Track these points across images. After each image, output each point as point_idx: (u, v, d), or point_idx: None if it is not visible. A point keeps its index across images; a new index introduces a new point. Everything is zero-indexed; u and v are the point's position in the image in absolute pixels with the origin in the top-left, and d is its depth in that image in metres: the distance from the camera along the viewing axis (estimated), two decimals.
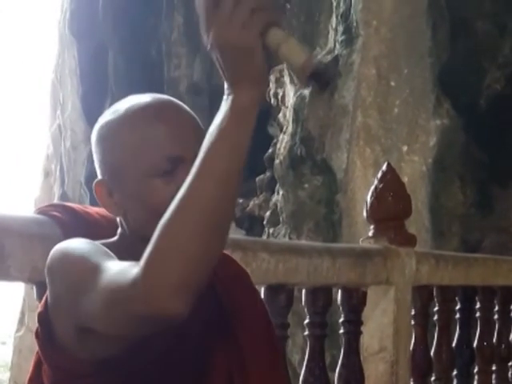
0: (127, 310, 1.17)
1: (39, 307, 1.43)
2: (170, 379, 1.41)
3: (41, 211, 1.82)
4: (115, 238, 1.46)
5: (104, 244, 1.41)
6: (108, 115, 1.45)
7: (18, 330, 12.92)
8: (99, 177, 1.45)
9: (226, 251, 1.60)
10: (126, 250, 1.42)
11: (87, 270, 1.25)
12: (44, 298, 1.41)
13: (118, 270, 1.21)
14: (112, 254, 1.32)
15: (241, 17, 1.14)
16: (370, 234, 3.38)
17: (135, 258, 1.40)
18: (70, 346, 1.35)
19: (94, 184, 1.45)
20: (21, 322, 12.96)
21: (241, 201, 9.60)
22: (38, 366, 1.45)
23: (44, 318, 1.39)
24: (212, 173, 1.16)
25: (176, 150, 1.39)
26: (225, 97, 1.18)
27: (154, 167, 1.38)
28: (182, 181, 1.38)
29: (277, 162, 8.04)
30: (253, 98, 1.17)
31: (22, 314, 13.00)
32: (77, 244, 1.34)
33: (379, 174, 3.44)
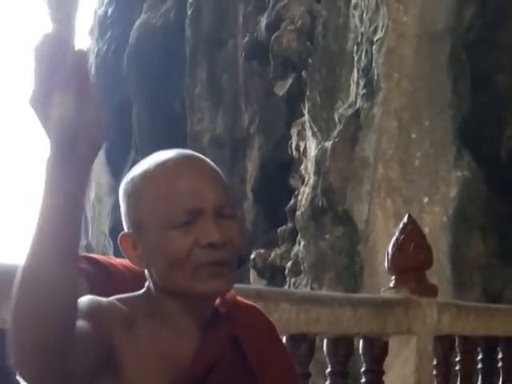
0: None
1: None
2: None
3: None
4: (142, 291, 1.49)
5: (127, 298, 1.46)
6: (134, 171, 1.49)
7: None
8: (125, 230, 1.49)
9: (251, 302, 1.63)
10: (151, 303, 1.46)
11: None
12: None
13: None
14: (110, 316, 1.38)
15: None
16: (392, 284, 3.41)
17: (158, 310, 1.44)
18: None
19: (119, 237, 1.49)
20: None
21: (262, 251, 9.64)
22: None
23: None
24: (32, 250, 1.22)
25: (194, 203, 1.42)
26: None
27: (173, 219, 1.42)
28: (200, 232, 1.43)
29: (298, 213, 8.08)
30: (53, 154, 1.21)
31: None
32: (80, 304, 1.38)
33: (400, 225, 3.48)
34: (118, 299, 1.44)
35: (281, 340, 1.63)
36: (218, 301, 1.51)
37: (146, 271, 1.49)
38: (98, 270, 1.69)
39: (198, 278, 1.41)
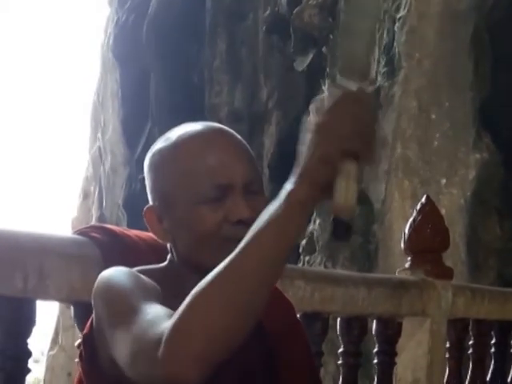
0: (147, 368, 1.19)
1: (85, 329, 1.44)
2: None
3: (80, 232, 1.83)
4: (164, 264, 1.47)
5: (150, 270, 1.43)
6: (160, 143, 1.46)
7: (51, 349, 12.97)
8: (150, 203, 1.46)
9: None
10: (174, 278, 1.43)
11: (126, 308, 1.27)
12: (90, 321, 1.42)
13: (152, 319, 1.22)
14: (152, 290, 1.33)
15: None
16: (407, 265, 3.38)
17: (182, 285, 1.40)
18: (110, 372, 1.35)
19: (144, 210, 1.46)
20: (54, 340, 13.01)
21: None
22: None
23: (88, 340, 1.40)
24: (254, 257, 1.15)
25: (224, 178, 1.40)
26: (285, 185, 1.18)
27: (202, 195, 1.39)
28: (230, 208, 1.40)
29: None
30: (310, 195, 1.16)
31: (56, 333, 13.05)
32: (120, 276, 1.34)
33: (418, 206, 3.45)
34: (141, 271, 1.41)
35: (299, 321, 1.62)
36: None
37: (168, 245, 1.46)
38: (112, 240, 1.68)
39: (226, 254, 1.39)
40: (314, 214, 8.23)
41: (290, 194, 1.16)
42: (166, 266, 1.47)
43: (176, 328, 1.14)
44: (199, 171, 1.41)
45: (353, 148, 1.15)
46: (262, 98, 10.32)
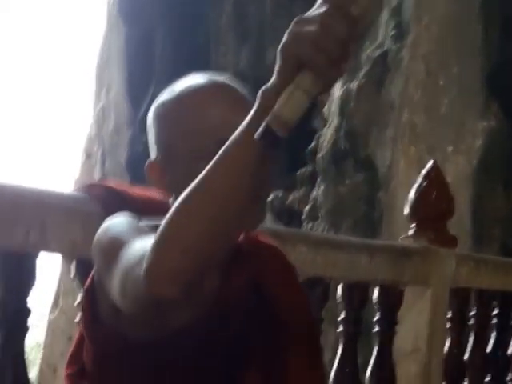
0: (135, 290, 1.20)
1: (86, 283, 1.44)
2: (207, 367, 1.40)
3: (82, 189, 1.83)
4: None
5: (156, 225, 1.40)
6: (164, 96, 1.45)
7: (51, 312, 13.02)
8: (152, 157, 1.45)
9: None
10: None
11: (118, 246, 1.27)
12: (91, 274, 1.42)
13: (140, 247, 1.22)
14: (149, 232, 1.30)
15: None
16: (411, 232, 3.33)
17: None
18: (111, 324, 1.35)
19: (146, 164, 1.45)
20: (55, 303, 13.05)
21: (281, 194, 9.58)
22: (80, 342, 1.46)
23: (90, 293, 1.40)
24: (225, 171, 1.15)
25: (227, 133, 1.36)
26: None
27: (204, 150, 1.37)
28: None
29: (319, 155, 8.00)
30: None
31: (57, 296, 13.09)
32: (118, 221, 1.35)
33: (424, 171, 3.38)
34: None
35: (300, 283, 1.59)
36: (240, 238, 1.46)
37: (170, 200, 1.44)
38: (112, 197, 1.68)
39: None
40: (318, 179, 8.18)
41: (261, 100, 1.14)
42: None
43: (153, 246, 1.15)
44: (202, 126, 1.39)
45: (308, 58, 1.09)
46: (268, 59, 10.24)
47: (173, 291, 1.14)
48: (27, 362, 1.88)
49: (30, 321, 1.88)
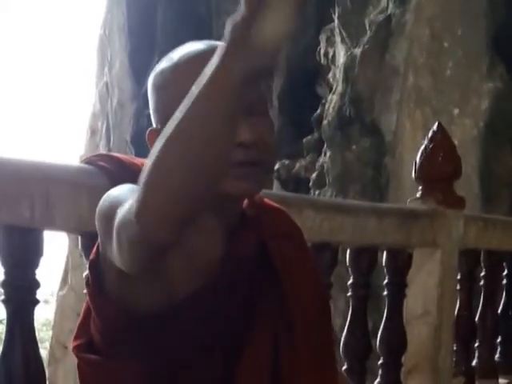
0: (129, 239, 1.18)
1: (91, 255, 1.43)
2: (216, 334, 1.39)
3: (87, 161, 1.79)
4: None
5: None
6: (163, 63, 1.43)
7: (60, 289, 13.03)
8: (153, 125, 1.43)
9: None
10: None
11: (115, 207, 1.26)
12: (96, 246, 1.41)
13: (131, 201, 1.21)
14: None
15: None
16: (418, 194, 3.31)
17: None
18: (117, 296, 1.34)
19: (147, 132, 1.43)
20: (64, 280, 13.06)
21: (287, 162, 9.55)
22: (87, 314, 1.44)
23: (94, 265, 1.39)
24: (195, 114, 1.10)
25: None
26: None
27: None
28: None
29: (325, 122, 7.96)
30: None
31: (66, 272, 13.10)
32: (118, 189, 1.33)
33: (430, 134, 3.36)
34: None
35: (307, 246, 1.57)
36: (245, 203, 1.45)
37: None
38: (119, 169, 1.66)
39: (226, 178, 1.33)
40: (325, 146, 8.15)
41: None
42: None
43: (140, 193, 1.14)
44: None
45: None
46: None
47: (162, 233, 1.13)
48: (38, 339, 1.87)
49: (39, 294, 1.86)
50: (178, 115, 1.11)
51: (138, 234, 1.15)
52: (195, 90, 1.10)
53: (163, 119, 1.39)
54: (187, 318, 1.35)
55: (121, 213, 1.22)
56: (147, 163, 1.14)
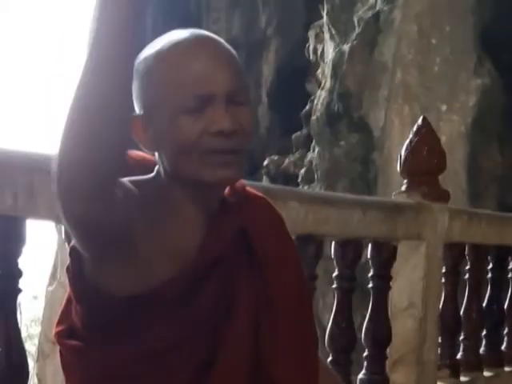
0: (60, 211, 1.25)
1: (71, 242, 1.41)
2: (194, 317, 1.39)
3: None
4: (152, 175, 1.44)
5: (137, 180, 1.39)
6: (146, 51, 1.42)
7: (49, 284, 12.96)
8: (136, 112, 1.42)
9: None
10: (159, 188, 1.40)
11: None
12: None
13: None
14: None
15: None
16: (403, 188, 3.33)
17: (166, 195, 1.39)
18: (94, 280, 1.34)
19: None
20: (53, 276, 13.01)
21: (276, 158, 9.58)
22: (69, 301, 1.45)
23: (74, 252, 1.38)
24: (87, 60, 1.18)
25: (206, 88, 1.35)
26: None
27: (183, 105, 1.35)
28: (210, 119, 1.35)
29: (313, 118, 7.98)
30: None
31: (55, 268, 13.04)
32: None
33: (414, 128, 3.39)
34: (128, 181, 1.37)
35: (289, 233, 1.58)
36: (227, 191, 1.45)
37: (156, 155, 1.43)
38: None
39: (206, 166, 1.36)
40: (313, 142, 8.17)
41: None
42: (153, 177, 1.44)
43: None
44: (180, 80, 1.36)
45: None
46: (261, 24, 10.18)
47: (80, 206, 1.20)
48: (27, 335, 1.86)
49: (23, 286, 1.87)
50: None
51: (59, 196, 1.20)
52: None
53: (145, 106, 1.40)
54: (165, 302, 1.36)
55: None
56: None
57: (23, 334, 1.91)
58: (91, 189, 1.19)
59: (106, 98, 1.18)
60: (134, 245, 1.31)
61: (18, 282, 1.85)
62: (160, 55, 1.39)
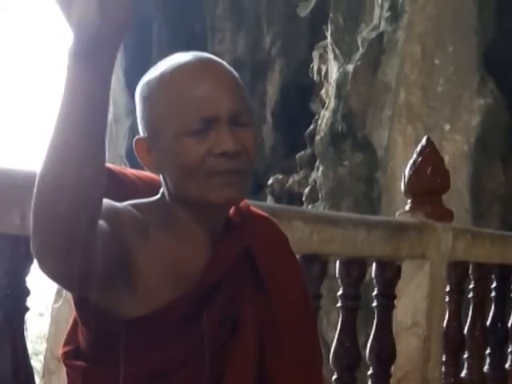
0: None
1: None
2: (200, 336, 1.41)
3: None
4: (157, 197, 1.46)
5: (142, 203, 1.42)
6: (150, 73, 1.45)
7: (55, 301, 12.96)
8: (140, 134, 1.45)
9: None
10: (164, 210, 1.42)
11: None
12: None
13: None
14: (125, 222, 1.34)
15: None
16: (407, 207, 3.36)
17: (171, 218, 1.41)
18: (98, 303, 1.35)
19: (134, 141, 1.45)
20: (58, 293, 13.01)
21: (280, 177, 9.60)
22: (75, 322, 1.46)
23: None
24: (58, 123, 1.17)
25: (209, 110, 1.38)
26: None
27: (187, 126, 1.37)
28: (214, 140, 1.38)
29: (317, 138, 8.01)
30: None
31: None
32: None
33: (418, 148, 3.41)
34: (132, 204, 1.41)
35: (293, 253, 1.60)
36: (231, 211, 1.48)
37: (161, 177, 1.45)
38: (110, 180, 1.66)
39: (211, 187, 1.38)
40: (317, 161, 8.20)
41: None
42: (157, 199, 1.46)
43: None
44: (184, 103, 1.39)
45: None
46: (265, 45, 10.24)
47: (47, 263, 1.20)
48: (33, 352, 1.87)
49: (31, 304, 1.87)
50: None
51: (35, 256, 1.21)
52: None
53: (149, 128, 1.42)
54: (171, 323, 1.38)
55: None
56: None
57: (29, 351, 1.91)
58: (67, 252, 1.19)
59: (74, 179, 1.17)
60: (135, 275, 1.34)
61: (25, 301, 1.86)
62: (163, 78, 1.42)
